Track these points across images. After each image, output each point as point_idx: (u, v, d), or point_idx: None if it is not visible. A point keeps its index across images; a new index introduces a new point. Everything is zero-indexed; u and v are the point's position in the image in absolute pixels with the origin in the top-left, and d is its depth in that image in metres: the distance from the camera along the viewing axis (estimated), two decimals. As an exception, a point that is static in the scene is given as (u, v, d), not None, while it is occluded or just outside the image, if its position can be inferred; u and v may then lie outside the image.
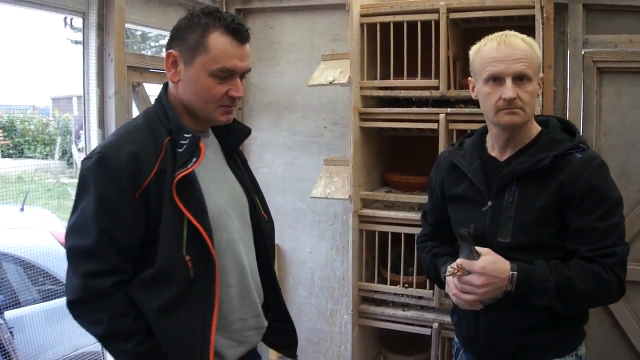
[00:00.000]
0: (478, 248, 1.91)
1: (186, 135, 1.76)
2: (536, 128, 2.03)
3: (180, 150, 1.74)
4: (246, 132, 2.07)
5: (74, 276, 1.69)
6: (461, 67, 3.15)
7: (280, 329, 2.18)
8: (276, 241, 4.00)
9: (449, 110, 2.88)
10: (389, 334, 3.44)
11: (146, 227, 1.72)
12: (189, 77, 1.78)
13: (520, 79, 1.88)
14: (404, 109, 3.02)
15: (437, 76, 2.91)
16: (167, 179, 1.71)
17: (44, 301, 3.42)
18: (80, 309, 1.70)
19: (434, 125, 2.91)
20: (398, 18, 2.97)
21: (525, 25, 2.55)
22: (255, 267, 2.00)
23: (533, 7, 2.70)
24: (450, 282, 1.98)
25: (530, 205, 1.92)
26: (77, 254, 1.69)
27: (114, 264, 1.68)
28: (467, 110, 2.87)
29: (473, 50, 2.01)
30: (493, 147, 2.07)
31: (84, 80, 3.05)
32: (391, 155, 3.61)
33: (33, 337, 3.15)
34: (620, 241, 1.88)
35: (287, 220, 4.03)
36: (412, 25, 2.93)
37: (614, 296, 1.92)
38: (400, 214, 3.04)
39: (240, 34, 1.78)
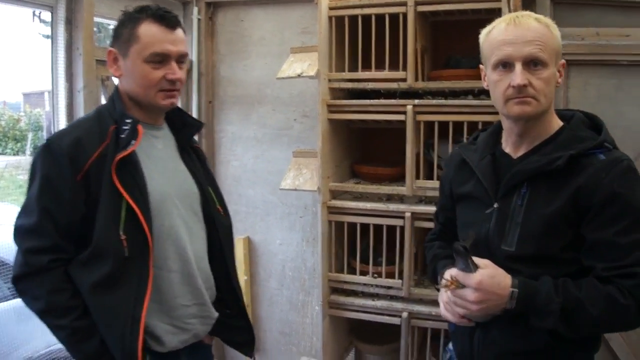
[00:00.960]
0: (476, 259, 1.68)
1: (127, 121, 1.85)
2: (557, 123, 1.78)
3: (123, 136, 1.82)
4: (198, 126, 2.20)
5: (18, 253, 1.79)
6: (430, 60, 3.17)
7: (237, 325, 2.21)
8: (247, 234, 4.04)
9: (416, 101, 2.89)
10: (360, 324, 3.47)
11: (87, 208, 1.78)
12: (127, 68, 1.88)
13: (533, 64, 1.65)
14: (371, 100, 3.04)
15: (404, 68, 2.92)
16: (108, 161, 1.78)
17: (14, 298, 3.40)
18: (22, 284, 1.78)
19: (401, 117, 2.92)
20: (366, 11, 2.98)
21: (492, 19, 2.57)
22: (204, 258, 2.06)
23: (500, 0, 2.71)
24: (443, 292, 1.79)
25: (541, 210, 1.68)
26: (21, 232, 1.80)
27: (53, 241, 1.76)
28: (434, 101, 2.89)
29: (483, 34, 1.79)
30: (507, 143, 1.84)
31: (52, 75, 3.04)
32: (360, 147, 3.63)
33: (3, 334, 3.12)
34: None
35: (258, 213, 4.04)
36: (380, 18, 2.94)
37: (632, 323, 1.66)
38: (369, 205, 3.05)
39: (167, 20, 1.88)
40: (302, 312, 3.99)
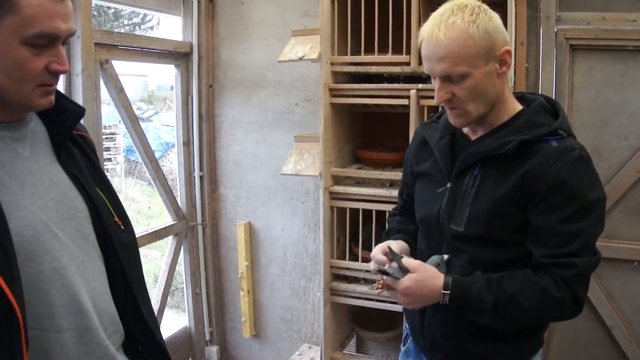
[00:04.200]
0: (408, 262, 1.74)
1: None
2: (515, 107, 1.78)
3: None
4: (79, 112, 1.55)
5: None
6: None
7: None
8: (248, 219, 4.02)
9: (420, 86, 2.85)
10: (361, 311, 3.46)
11: None
12: None
13: (449, 78, 1.66)
14: (374, 84, 2.99)
15: (408, 52, 2.87)
16: None
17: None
18: None
19: (404, 102, 2.88)
20: (369, -7, 2.92)
21: (498, 1, 2.53)
22: (105, 294, 1.53)
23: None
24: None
25: (490, 193, 1.70)
26: None
27: None
28: (438, 86, 2.83)
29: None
30: None
31: (50, 58, 2.98)
32: (363, 132, 3.59)
33: None
34: (584, 251, 1.63)
35: (259, 198, 4.01)
36: (383, 0, 2.88)
37: (566, 314, 1.69)
38: (372, 191, 3.02)
39: None
40: (304, 298, 3.97)
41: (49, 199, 1.41)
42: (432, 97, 2.74)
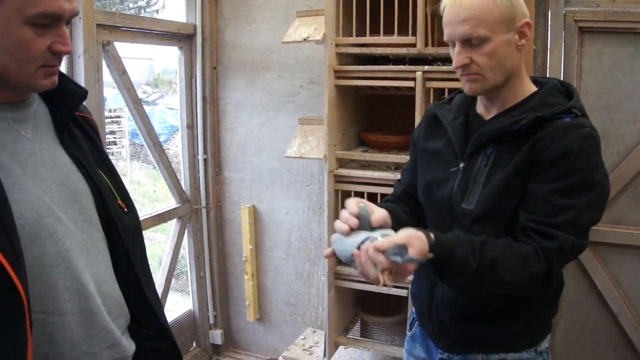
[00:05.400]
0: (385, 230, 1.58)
1: None
2: (530, 88, 1.77)
3: None
4: (82, 93, 1.54)
5: None
6: (440, 25, 3.08)
7: (158, 348, 1.69)
8: (253, 202, 4.00)
9: (426, 67, 2.81)
10: (365, 295, 3.44)
11: None
12: None
13: (471, 41, 1.64)
14: (380, 66, 2.95)
15: (414, 33, 2.82)
16: None
17: None
18: None
19: (410, 84, 2.84)
20: (375, -27, 2.88)
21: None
22: (109, 277, 1.52)
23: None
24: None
25: (502, 171, 1.67)
26: None
27: None
28: (444, 68, 2.79)
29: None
30: (480, 105, 1.85)
31: (51, 39, 2.95)
32: (368, 115, 3.55)
33: None
34: (569, 228, 1.58)
35: (264, 181, 4.00)
36: (388, -20, 2.84)
37: (536, 289, 1.65)
38: (377, 174, 2.98)
39: None
40: (308, 282, 3.96)
41: (52, 182, 1.39)
42: (439, 79, 2.79)
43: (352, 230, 1.60)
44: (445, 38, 1.72)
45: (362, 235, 1.56)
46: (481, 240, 1.61)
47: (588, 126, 1.65)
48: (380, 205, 1.78)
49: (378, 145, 3.24)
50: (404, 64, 2.93)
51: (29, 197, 1.32)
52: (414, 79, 2.82)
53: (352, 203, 1.67)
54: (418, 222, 1.92)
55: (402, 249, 1.47)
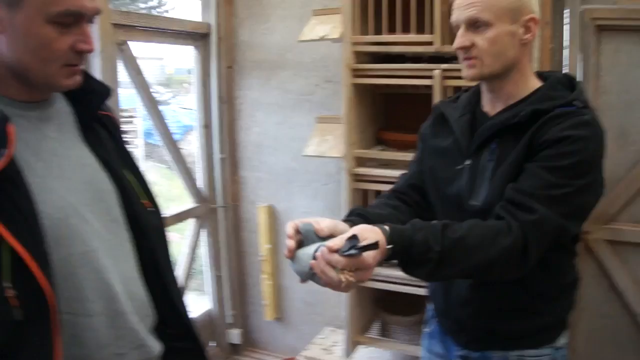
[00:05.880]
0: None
1: None
2: (534, 85, 1.77)
3: None
4: (106, 92, 1.54)
5: None
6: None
7: (184, 349, 1.67)
8: (270, 202, 3.99)
9: (443, 66, 2.79)
10: (385, 295, 3.42)
11: None
12: (17, 26, 1.24)
13: (475, 25, 1.66)
14: (397, 64, 2.94)
15: (432, 31, 2.80)
16: None
17: None
18: None
19: (428, 82, 2.83)
20: (392, -30, 2.86)
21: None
22: (135, 277, 1.50)
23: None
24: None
25: (506, 164, 1.68)
26: None
27: None
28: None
29: None
30: (485, 102, 1.85)
31: (67, 40, 2.95)
32: (385, 113, 3.54)
33: None
34: (554, 206, 1.55)
35: (280, 180, 3.99)
36: (406, -22, 2.82)
37: (512, 262, 1.56)
38: (396, 173, 2.95)
39: None
40: (327, 281, 3.93)
41: (77, 181, 1.38)
42: (457, 78, 2.76)
43: (301, 247, 1.53)
44: (453, 22, 1.74)
45: (313, 246, 1.50)
46: (442, 223, 1.56)
47: (588, 113, 1.65)
48: (375, 210, 1.84)
49: (396, 143, 3.22)
50: (422, 62, 2.92)
51: (55, 197, 1.30)
52: (431, 77, 2.81)
53: (289, 226, 1.57)
54: (417, 217, 1.79)
55: (354, 241, 1.41)
